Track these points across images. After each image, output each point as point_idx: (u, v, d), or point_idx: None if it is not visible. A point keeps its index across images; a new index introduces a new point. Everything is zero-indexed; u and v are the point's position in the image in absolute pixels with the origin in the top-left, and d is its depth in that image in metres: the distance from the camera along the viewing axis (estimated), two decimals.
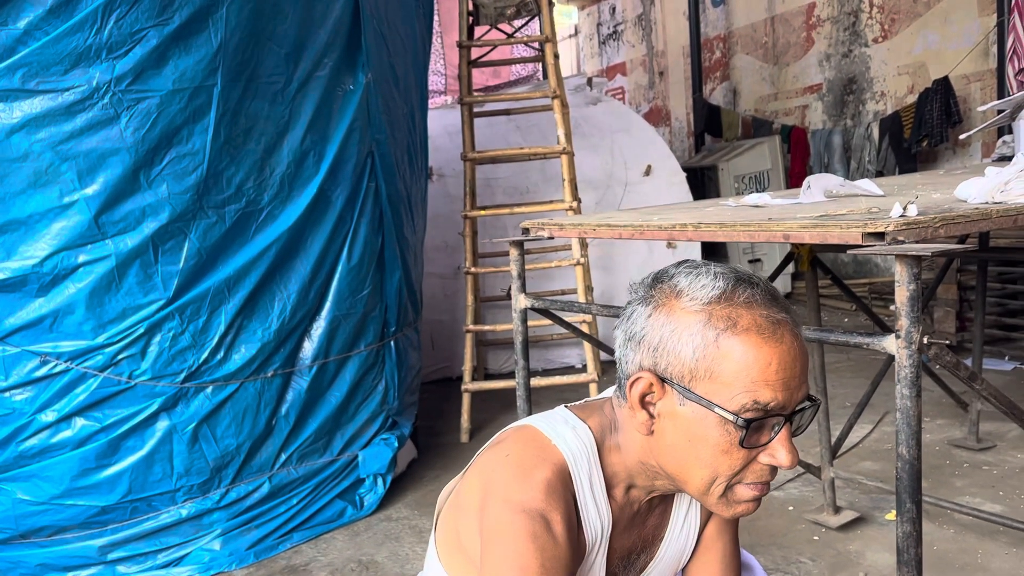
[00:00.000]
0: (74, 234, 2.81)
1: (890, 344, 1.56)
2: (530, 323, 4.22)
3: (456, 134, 5.78)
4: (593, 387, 4.50)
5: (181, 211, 2.94)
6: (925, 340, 1.53)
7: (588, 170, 6.15)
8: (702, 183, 7.58)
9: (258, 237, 3.16)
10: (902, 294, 1.53)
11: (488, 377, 5.60)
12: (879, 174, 6.71)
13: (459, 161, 4.80)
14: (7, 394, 2.91)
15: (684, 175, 6.55)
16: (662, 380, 0.94)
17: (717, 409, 0.91)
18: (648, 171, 6.41)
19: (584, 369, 4.86)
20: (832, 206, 2.07)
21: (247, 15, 2.93)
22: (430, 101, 7.85)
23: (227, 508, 3.24)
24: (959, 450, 3.82)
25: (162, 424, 3.07)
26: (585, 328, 4.52)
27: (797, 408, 0.94)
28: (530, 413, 2.57)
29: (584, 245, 5.53)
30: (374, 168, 3.54)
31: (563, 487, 0.99)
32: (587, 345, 4.56)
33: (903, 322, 1.53)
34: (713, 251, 7.43)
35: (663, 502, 1.13)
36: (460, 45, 4.56)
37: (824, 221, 1.70)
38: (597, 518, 1.03)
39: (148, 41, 2.75)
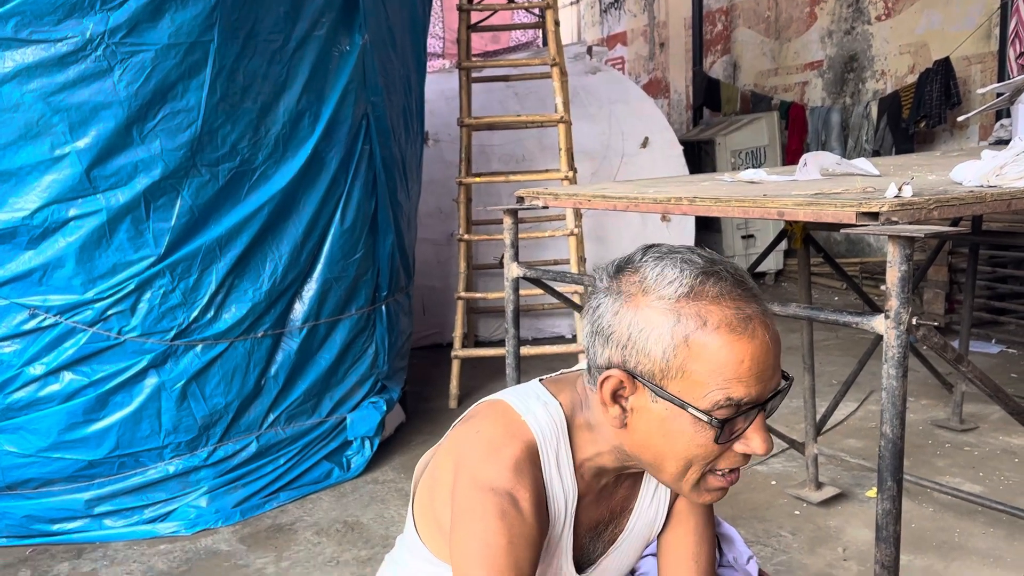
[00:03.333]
0: (65, 187, 2.79)
1: (879, 324, 1.57)
2: (521, 292, 4.22)
3: (453, 99, 5.72)
4: (582, 358, 4.51)
5: (174, 168, 2.92)
6: (914, 321, 1.54)
7: (585, 140, 6.11)
8: (699, 157, 7.55)
9: (251, 197, 3.14)
10: (893, 275, 1.54)
11: (478, 344, 5.61)
12: (876, 154, 6.69)
13: (455, 126, 4.77)
14: None
15: (681, 148, 6.52)
16: (633, 377, 0.93)
17: (690, 409, 0.90)
18: (645, 143, 6.38)
19: (574, 339, 4.87)
20: (827, 184, 2.06)
21: None
22: (428, 65, 7.78)
23: (214, 466, 3.25)
24: (942, 430, 3.86)
25: (151, 381, 3.07)
26: (577, 299, 4.53)
27: (771, 395, 0.94)
28: (519, 382, 2.58)
29: (578, 216, 5.52)
30: (369, 131, 3.51)
31: (531, 464, 0.99)
32: (577, 316, 4.57)
33: (893, 302, 1.54)
34: (707, 226, 7.43)
35: (632, 476, 1.13)
36: (460, 8, 4.50)
37: (819, 200, 1.70)
38: (562, 494, 1.04)
39: None
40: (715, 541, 1.18)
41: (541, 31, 7.82)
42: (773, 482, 3.41)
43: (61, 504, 3.13)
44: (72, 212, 2.82)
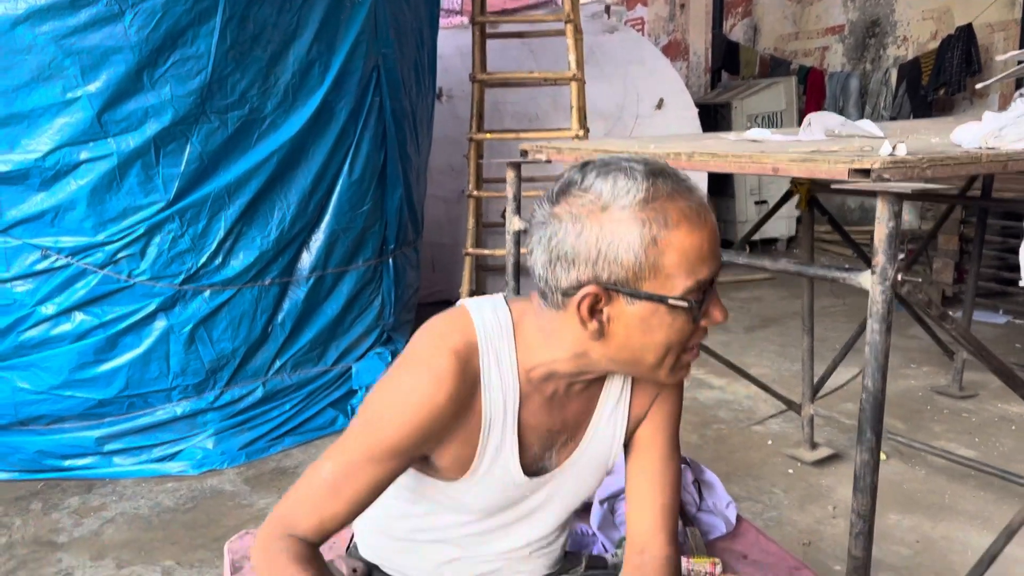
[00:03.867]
0: (76, 130, 2.83)
1: (865, 279, 1.59)
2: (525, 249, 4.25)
3: (468, 55, 5.68)
4: None
5: (184, 114, 2.95)
6: (899, 277, 1.56)
7: (599, 100, 6.08)
8: (715, 120, 7.50)
9: (260, 145, 3.17)
10: (880, 231, 1.55)
11: None
12: (893, 120, 6.63)
13: (469, 82, 4.76)
14: (9, 285, 2.97)
15: (696, 111, 6.48)
16: (607, 288, 0.97)
17: (669, 300, 0.97)
18: (660, 104, 6.34)
19: None
20: (829, 144, 2.07)
21: None
22: (444, 20, 7.72)
23: (221, 409, 3.33)
24: (941, 396, 3.88)
25: (160, 324, 3.14)
26: None
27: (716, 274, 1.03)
28: None
29: None
30: (379, 83, 3.52)
31: (467, 354, 1.05)
32: None
33: (879, 258, 1.56)
34: (720, 191, 7.40)
35: (587, 390, 1.16)
36: None
37: (813, 156, 1.71)
38: (500, 391, 1.08)
39: None
40: (678, 471, 1.21)
41: None
42: (769, 442, 3.46)
43: (72, 441, 3.22)
44: (83, 155, 2.87)
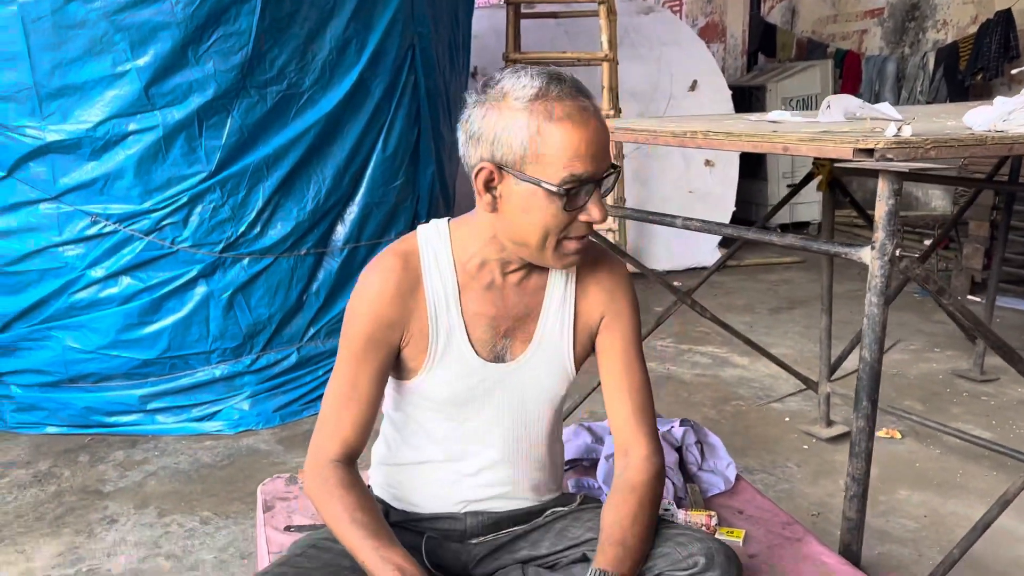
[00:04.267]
0: (125, 103, 2.98)
1: (865, 255, 1.67)
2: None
3: (503, 34, 5.78)
4: None
5: (226, 88, 3.08)
6: (898, 253, 1.63)
7: (633, 80, 6.13)
8: (749, 103, 7.48)
9: (298, 120, 3.29)
10: (881, 208, 1.63)
11: None
12: (929, 104, 6.57)
13: (503, 62, 4.84)
14: (61, 249, 3.14)
15: (730, 93, 6.50)
16: (500, 168, 1.15)
17: (544, 184, 1.13)
18: (694, 86, 6.37)
19: None
20: (845, 126, 2.13)
21: None
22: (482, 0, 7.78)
23: (257, 373, 3.48)
24: (962, 380, 3.92)
25: (200, 289, 3.29)
26: (611, 237, 4.63)
27: (604, 175, 1.17)
28: None
29: (620, 156, 5.58)
30: (414, 61, 3.62)
31: (408, 254, 1.28)
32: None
33: (879, 235, 1.63)
34: (753, 174, 7.40)
35: (527, 284, 1.31)
36: None
37: (821, 136, 1.78)
38: (440, 282, 1.28)
39: None
40: (645, 376, 1.38)
41: None
42: (787, 419, 3.53)
43: (118, 399, 3.40)
44: (131, 127, 3.01)
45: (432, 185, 3.89)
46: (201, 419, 3.45)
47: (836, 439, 3.29)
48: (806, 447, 3.26)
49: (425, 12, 3.62)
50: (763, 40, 8.62)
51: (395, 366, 1.33)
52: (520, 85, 1.14)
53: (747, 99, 7.49)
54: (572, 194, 1.14)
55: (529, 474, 1.38)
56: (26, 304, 3.21)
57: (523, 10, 5.31)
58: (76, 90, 2.94)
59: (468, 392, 1.31)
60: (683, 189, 6.35)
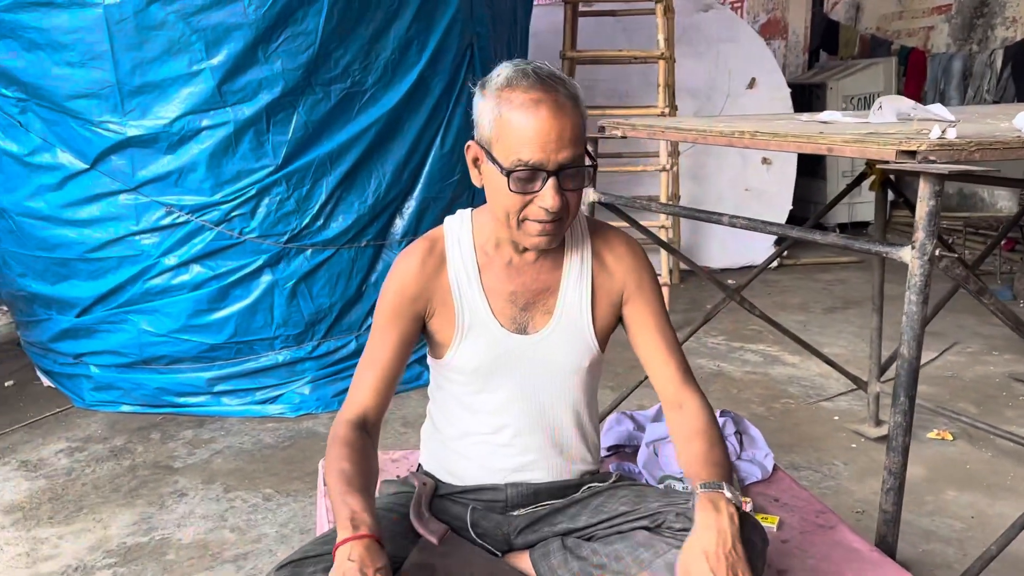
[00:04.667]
0: (199, 100, 3.14)
1: (905, 254, 1.71)
2: (648, 224, 4.39)
3: (561, 32, 5.85)
4: (666, 291, 4.68)
5: (292, 86, 3.22)
6: (937, 252, 1.67)
7: (690, 78, 6.14)
8: (809, 101, 7.41)
9: (360, 117, 3.42)
10: (922, 209, 1.67)
11: None
12: (995, 104, 6.44)
13: (560, 60, 4.92)
14: (138, 237, 3.32)
15: (789, 91, 6.46)
16: (481, 146, 1.29)
17: (495, 165, 1.25)
18: (752, 84, 6.35)
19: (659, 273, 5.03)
20: (895, 127, 2.16)
21: None
22: None
23: (318, 359, 3.63)
24: (1018, 384, 3.87)
25: (265, 278, 3.45)
26: (663, 234, 4.67)
27: (564, 167, 1.24)
28: None
29: (674, 153, 5.61)
30: (472, 60, 3.72)
31: (434, 240, 1.44)
32: (662, 250, 4.72)
33: (919, 235, 1.67)
34: (812, 172, 7.34)
35: (544, 262, 1.42)
36: None
37: (866, 138, 1.83)
38: (462, 263, 1.42)
39: None
40: (675, 339, 1.47)
41: None
42: (836, 417, 3.54)
43: (187, 381, 3.58)
44: (204, 123, 3.18)
45: None
46: (264, 402, 3.62)
47: (884, 439, 3.28)
48: (854, 446, 3.27)
49: (484, 12, 3.72)
50: (825, 37, 8.52)
51: (430, 345, 1.45)
52: (496, 74, 1.27)
53: (807, 97, 7.43)
54: (521, 178, 1.23)
55: (562, 442, 1.48)
56: (105, 289, 3.41)
57: (581, 8, 5.37)
58: (155, 88, 3.11)
59: (494, 362, 1.42)
60: (739, 187, 6.34)
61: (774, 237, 6.29)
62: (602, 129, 2.64)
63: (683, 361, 1.47)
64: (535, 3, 7.26)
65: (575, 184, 1.27)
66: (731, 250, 6.31)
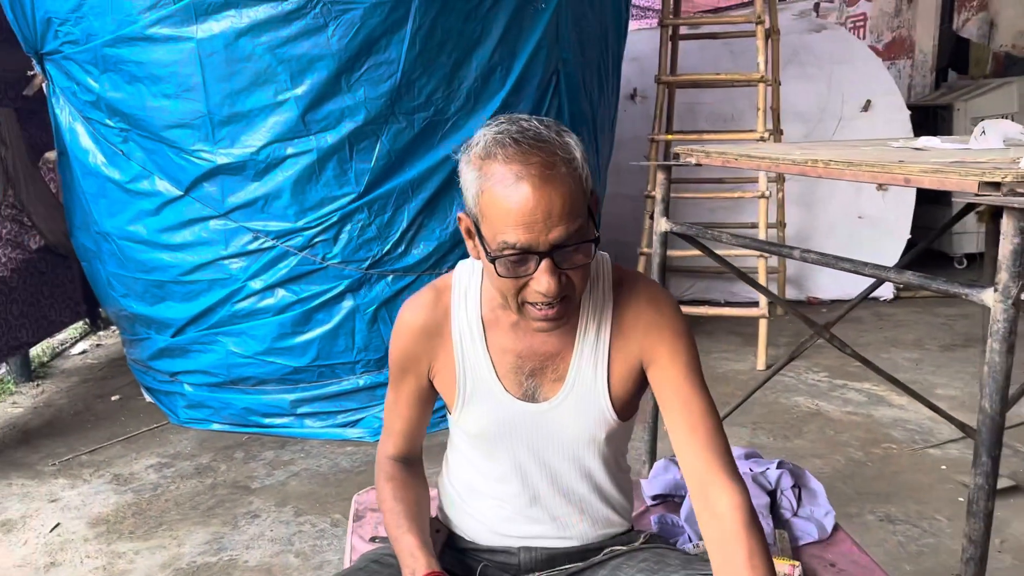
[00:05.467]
0: (284, 128, 3.22)
1: (988, 297, 1.54)
2: (723, 253, 4.24)
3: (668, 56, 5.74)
4: (763, 323, 4.46)
5: (375, 115, 3.26)
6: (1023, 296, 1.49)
7: (800, 101, 5.90)
8: (934, 123, 6.98)
9: (442, 144, 3.43)
10: (1005, 247, 1.50)
11: None
12: None
13: (655, 84, 4.81)
14: (226, 262, 3.43)
15: (908, 113, 6.09)
16: (471, 218, 1.14)
17: (484, 246, 1.11)
18: (867, 106, 6.03)
19: (757, 304, 4.79)
20: (986, 155, 1.97)
21: None
22: (647, 21, 7.76)
23: None
24: None
25: (347, 303, 3.48)
26: (762, 263, 4.47)
27: (558, 246, 1.07)
28: None
29: (779, 180, 5.38)
30: (558, 86, 3.67)
31: (441, 290, 1.33)
32: (761, 279, 4.51)
33: (1003, 275, 1.50)
34: (935, 199, 6.87)
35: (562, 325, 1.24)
36: None
37: (947, 167, 1.66)
38: (466, 319, 1.30)
39: None
40: (711, 408, 1.24)
41: None
42: (943, 467, 3.26)
43: (272, 402, 3.66)
44: (289, 150, 3.25)
45: None
46: (345, 425, 3.65)
47: (998, 493, 2.99)
48: (961, 499, 2.99)
49: (571, 37, 3.67)
50: (954, 55, 8.02)
51: (444, 397, 1.37)
52: (476, 140, 1.12)
53: (932, 119, 7.00)
54: (511, 262, 1.09)
55: (580, 508, 1.37)
56: (197, 311, 3.54)
57: (682, 31, 5.25)
58: (243, 117, 3.21)
59: (500, 428, 1.31)
60: (852, 214, 6.02)
61: (891, 265, 5.92)
62: (675, 156, 2.53)
63: (715, 438, 1.22)
64: (641, 27, 7.18)
65: (577, 261, 1.11)
66: (843, 280, 5.97)
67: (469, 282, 1.31)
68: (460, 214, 1.18)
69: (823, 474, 3.18)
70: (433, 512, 1.54)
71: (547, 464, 1.33)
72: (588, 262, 1.12)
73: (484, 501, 1.40)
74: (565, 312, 1.16)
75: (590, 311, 1.28)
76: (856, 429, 3.66)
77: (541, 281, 1.09)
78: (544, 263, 1.08)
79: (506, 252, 1.08)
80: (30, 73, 3.64)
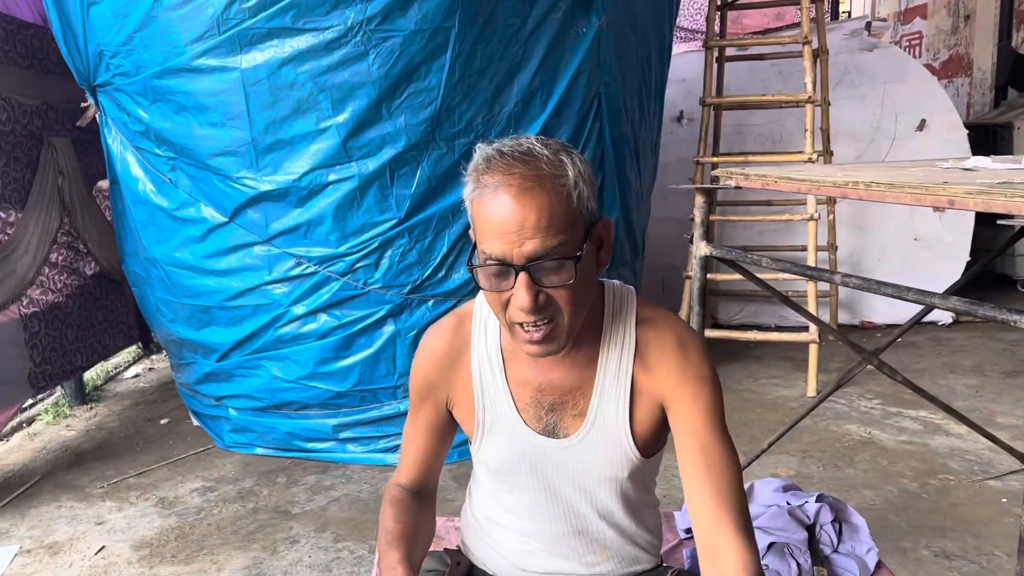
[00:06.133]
0: (326, 156, 3.25)
1: None
2: (765, 277, 4.16)
3: (713, 78, 5.69)
4: (813, 348, 4.35)
5: (415, 141, 3.28)
6: None
7: (852, 121, 5.79)
8: (993, 142, 6.78)
9: None
10: None
11: (716, 327, 5.58)
12: None
13: (700, 106, 4.76)
14: (270, 287, 3.47)
15: (965, 132, 5.92)
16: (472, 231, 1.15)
17: (474, 258, 1.12)
18: (922, 125, 5.88)
19: (807, 329, 4.66)
20: None
21: None
22: (694, 43, 7.71)
23: None
24: None
25: (388, 328, 3.49)
26: (811, 287, 4.37)
27: (534, 259, 1.06)
28: None
29: (829, 202, 5.27)
30: (599, 110, 3.65)
31: (462, 318, 1.32)
32: (811, 302, 4.40)
33: None
34: (996, 219, 6.67)
35: (575, 358, 1.23)
36: None
37: (994, 189, 1.60)
38: (486, 349, 1.28)
39: None
40: (730, 458, 1.18)
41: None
42: (1004, 500, 3.12)
43: (315, 426, 3.68)
44: (331, 177, 3.29)
45: (616, 230, 3.88)
46: (386, 451, 3.65)
47: None
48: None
49: (612, 60, 3.65)
50: (1013, 73, 7.81)
51: (464, 427, 1.35)
52: (475, 153, 1.13)
53: (991, 138, 6.80)
54: (491, 274, 1.08)
55: (603, 546, 1.33)
56: (241, 336, 3.58)
57: (728, 53, 5.20)
58: (285, 144, 3.25)
59: (519, 463, 1.28)
60: (907, 236, 5.86)
61: (947, 287, 5.74)
62: (715, 179, 2.49)
63: (728, 489, 1.15)
64: (688, 49, 7.14)
65: (557, 280, 1.08)
66: (899, 304, 5.80)
67: (489, 311, 1.28)
68: (471, 226, 1.17)
69: (875, 506, 3.06)
70: (455, 543, 1.51)
71: (569, 501, 1.30)
72: (570, 281, 1.08)
73: (506, 535, 1.37)
74: (553, 336, 1.12)
75: (611, 345, 1.24)
76: (911, 459, 3.53)
77: (517, 296, 1.08)
78: (521, 277, 1.07)
79: (487, 263, 1.08)
80: (83, 104, 3.75)
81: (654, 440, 1.27)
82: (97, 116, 3.69)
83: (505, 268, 1.07)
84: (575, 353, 1.24)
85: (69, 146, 4.34)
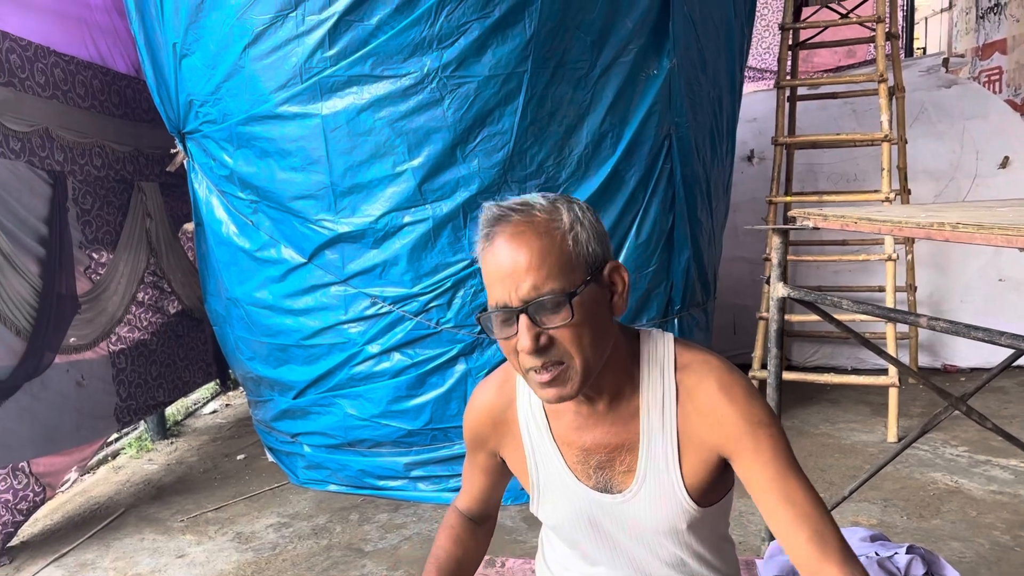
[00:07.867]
0: (402, 198, 3.33)
1: None
2: (842, 318, 4.07)
3: (785, 117, 5.65)
4: (893, 392, 4.21)
5: (488, 183, 3.33)
6: None
7: (930, 159, 5.66)
8: None
9: None
10: None
11: (790, 369, 5.46)
12: None
13: (772, 146, 4.72)
14: (345, 326, 3.54)
15: None
16: None
17: (485, 303, 1.16)
18: (1005, 163, 5.71)
19: (885, 372, 4.53)
20: None
21: (558, 6, 3.20)
22: (765, 83, 7.68)
23: None
24: None
25: (460, 367, 3.52)
26: (891, 328, 4.25)
27: (531, 301, 1.08)
28: (779, 402, 2.58)
29: (908, 241, 5.14)
30: (670, 150, 3.66)
31: (508, 376, 1.33)
32: (890, 344, 4.28)
33: None
34: None
35: (618, 413, 1.22)
36: (782, 27, 4.46)
37: None
38: (529, 406, 1.29)
39: (471, 32, 3.14)
40: (809, 497, 1.13)
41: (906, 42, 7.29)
42: None
43: (386, 464, 3.71)
44: (406, 219, 3.36)
45: (687, 270, 3.85)
46: (456, 490, 3.64)
47: None
48: None
49: (683, 102, 3.66)
50: None
51: (520, 480, 1.37)
52: (486, 208, 1.16)
53: None
54: (498, 321, 1.12)
55: None
56: (317, 374, 3.65)
57: (801, 92, 5.16)
58: (363, 188, 3.34)
59: (578, 518, 1.29)
60: (991, 277, 5.66)
61: None
62: (792, 220, 2.46)
63: (820, 526, 1.11)
64: (759, 88, 7.12)
65: (556, 320, 1.08)
66: (984, 346, 5.59)
67: None
68: None
69: (964, 560, 2.93)
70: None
71: (631, 552, 1.29)
72: (567, 320, 1.08)
73: None
74: (564, 379, 1.12)
75: (651, 396, 1.21)
76: (1002, 510, 3.38)
77: (520, 338, 1.10)
78: (521, 319, 1.09)
79: (494, 311, 1.11)
80: (173, 151, 3.93)
81: (711, 489, 1.23)
82: (185, 162, 3.85)
83: (508, 313, 1.10)
84: (616, 408, 1.23)
85: (157, 190, 4.54)
